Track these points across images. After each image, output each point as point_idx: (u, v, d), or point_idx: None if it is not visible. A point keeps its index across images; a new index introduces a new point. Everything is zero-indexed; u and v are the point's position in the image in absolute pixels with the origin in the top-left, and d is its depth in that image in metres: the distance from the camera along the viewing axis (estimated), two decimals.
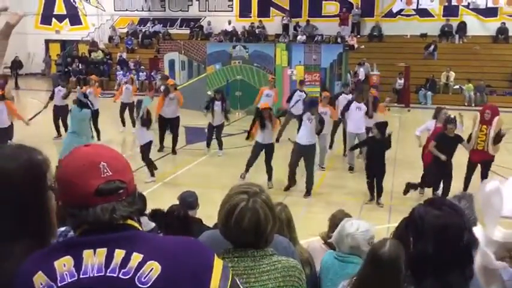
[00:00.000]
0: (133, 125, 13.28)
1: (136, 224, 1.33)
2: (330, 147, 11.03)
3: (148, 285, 1.21)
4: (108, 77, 23.24)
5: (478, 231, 0.81)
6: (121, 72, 22.41)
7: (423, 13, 22.21)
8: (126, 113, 13.07)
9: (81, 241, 1.28)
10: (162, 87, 11.66)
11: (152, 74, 21.76)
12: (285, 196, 7.97)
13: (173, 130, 11.15)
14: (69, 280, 1.23)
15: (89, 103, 9.71)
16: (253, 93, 16.00)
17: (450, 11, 21.75)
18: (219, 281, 1.29)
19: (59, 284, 1.23)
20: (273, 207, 1.87)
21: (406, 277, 1.85)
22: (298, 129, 8.49)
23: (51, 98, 12.30)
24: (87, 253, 1.25)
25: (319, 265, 3.27)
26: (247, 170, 8.72)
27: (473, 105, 18.39)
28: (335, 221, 3.77)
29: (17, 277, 1.32)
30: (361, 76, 19.78)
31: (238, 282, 1.38)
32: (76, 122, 8.74)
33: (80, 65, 23.75)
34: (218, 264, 1.32)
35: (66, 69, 23.95)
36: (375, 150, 7.86)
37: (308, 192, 8.33)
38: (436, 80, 19.58)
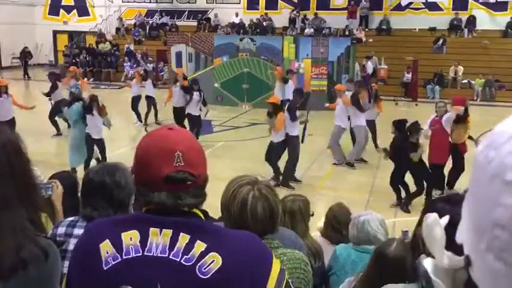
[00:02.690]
0: (146, 117, 13.27)
1: (201, 214, 1.34)
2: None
3: (207, 276, 1.21)
4: (115, 69, 23.28)
5: (426, 262, 0.82)
6: (128, 63, 22.46)
7: (432, 6, 22.03)
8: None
9: (149, 218, 1.30)
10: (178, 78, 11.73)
11: (159, 66, 21.79)
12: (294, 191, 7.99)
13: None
14: (134, 255, 1.25)
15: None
16: (260, 86, 16.03)
17: (459, 4, 21.56)
18: (275, 283, 1.28)
19: (124, 257, 1.25)
20: (275, 190, 1.91)
21: (425, 276, 1.82)
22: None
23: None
24: (153, 231, 1.27)
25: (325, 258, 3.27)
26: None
27: (478, 100, 18.27)
28: (332, 214, 3.79)
29: (83, 241, 1.36)
30: (369, 70, 19.68)
31: (291, 284, 1.38)
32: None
33: (87, 56, 23.81)
34: (276, 266, 1.32)
35: (73, 61, 24.03)
36: (397, 149, 7.51)
37: (280, 180, 8.20)
38: (444, 75, 19.45)
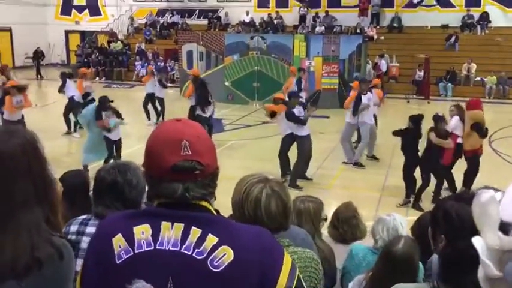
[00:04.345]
0: (159, 116, 13.31)
1: (210, 207, 1.34)
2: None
3: (219, 269, 1.21)
4: (126, 68, 23.41)
5: (476, 241, 0.79)
6: (139, 62, 22.57)
7: (445, 3, 21.83)
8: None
9: (161, 212, 1.30)
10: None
11: (169, 64, 21.85)
12: (303, 189, 7.98)
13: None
14: (146, 249, 1.25)
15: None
16: (270, 84, 16.01)
17: (472, 1, 21.34)
18: (287, 279, 1.28)
19: (136, 251, 1.26)
20: (285, 186, 1.91)
21: (437, 275, 1.81)
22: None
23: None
24: (165, 225, 1.27)
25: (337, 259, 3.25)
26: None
27: (491, 97, 18.07)
28: (335, 212, 3.81)
29: (97, 235, 1.37)
30: (383, 68, 19.57)
31: (302, 280, 1.37)
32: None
33: (99, 55, 23.96)
34: (288, 261, 1.31)
35: (85, 60, 24.21)
36: (408, 143, 7.50)
37: (289, 181, 8.06)
38: (456, 72, 19.27)
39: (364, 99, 9.34)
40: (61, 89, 12.14)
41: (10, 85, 9.72)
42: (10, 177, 1.35)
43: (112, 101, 8.54)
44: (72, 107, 11.72)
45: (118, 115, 8.49)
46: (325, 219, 3.32)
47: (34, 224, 1.36)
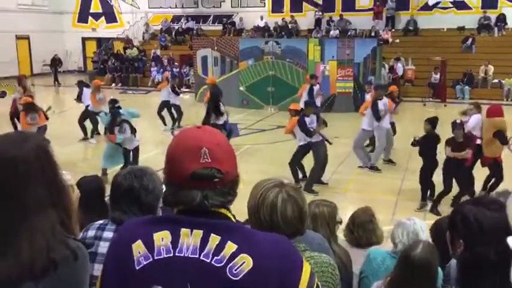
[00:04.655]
0: (175, 123, 13.32)
1: (229, 215, 1.34)
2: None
3: (238, 278, 1.21)
4: (142, 74, 23.62)
5: (511, 241, 0.77)
6: (155, 68, 22.75)
7: (461, 5, 21.63)
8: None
9: (180, 218, 1.30)
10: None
11: (184, 70, 21.98)
12: (319, 194, 7.95)
13: None
14: (165, 255, 1.26)
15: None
16: (285, 89, 16.01)
17: (489, 2, 21.10)
18: (307, 286, 1.27)
19: (156, 257, 1.26)
20: (301, 191, 1.89)
21: (455, 280, 1.79)
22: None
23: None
24: (184, 232, 1.27)
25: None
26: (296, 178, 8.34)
27: (510, 99, 17.83)
28: (352, 216, 3.78)
29: (116, 240, 1.38)
30: (399, 71, 19.44)
31: (320, 287, 1.37)
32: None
33: (115, 62, 24.22)
34: (307, 268, 1.31)
35: (101, 66, 24.50)
36: (427, 146, 7.44)
37: (304, 186, 7.96)
38: (474, 74, 19.04)
39: (380, 104, 9.28)
40: (79, 98, 12.35)
41: (24, 102, 9.64)
42: (23, 182, 1.37)
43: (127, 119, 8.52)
44: (88, 115, 11.89)
45: (133, 130, 8.44)
46: (340, 222, 3.31)
47: (49, 226, 1.38)
